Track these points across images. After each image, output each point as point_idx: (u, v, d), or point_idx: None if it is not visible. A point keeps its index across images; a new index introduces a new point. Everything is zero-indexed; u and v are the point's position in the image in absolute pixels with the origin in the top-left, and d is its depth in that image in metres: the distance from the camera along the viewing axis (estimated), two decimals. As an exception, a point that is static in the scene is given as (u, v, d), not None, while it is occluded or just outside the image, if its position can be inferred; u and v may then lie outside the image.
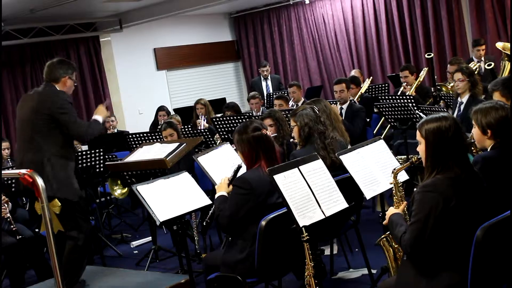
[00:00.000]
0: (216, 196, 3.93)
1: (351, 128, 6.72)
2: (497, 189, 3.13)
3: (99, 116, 5.01)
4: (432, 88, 7.98)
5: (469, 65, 7.50)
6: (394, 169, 3.41)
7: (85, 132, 4.73)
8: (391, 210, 3.24)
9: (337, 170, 4.28)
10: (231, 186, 3.91)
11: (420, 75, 8.19)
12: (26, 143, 4.68)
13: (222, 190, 3.93)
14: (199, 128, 8.35)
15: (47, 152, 4.59)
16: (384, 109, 6.60)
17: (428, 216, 2.86)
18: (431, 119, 3.02)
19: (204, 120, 8.60)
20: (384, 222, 3.28)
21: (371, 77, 10.45)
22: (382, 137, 5.09)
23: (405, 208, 3.28)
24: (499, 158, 3.35)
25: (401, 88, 8.23)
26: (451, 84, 7.30)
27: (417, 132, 3.07)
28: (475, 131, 3.49)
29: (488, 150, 3.45)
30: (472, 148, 3.95)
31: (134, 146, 7.29)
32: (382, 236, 3.49)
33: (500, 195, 3.13)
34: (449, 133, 2.95)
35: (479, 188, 2.99)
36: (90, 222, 5.23)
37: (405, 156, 6.19)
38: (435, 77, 8.52)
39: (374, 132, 7.82)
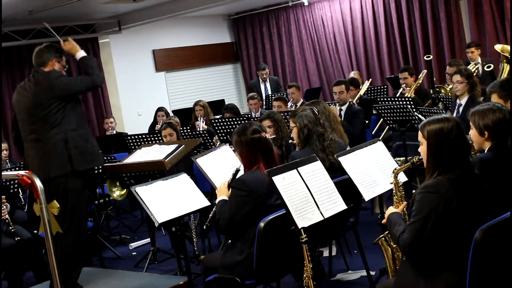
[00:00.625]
0: (217, 200, 3.93)
1: (350, 130, 6.73)
2: (495, 190, 3.13)
3: (79, 52, 5.00)
4: (431, 90, 8.00)
5: (468, 67, 7.52)
6: (395, 169, 3.41)
7: (91, 77, 4.77)
8: (390, 210, 3.24)
9: (336, 172, 4.28)
10: (231, 189, 3.91)
11: (419, 77, 8.20)
12: (36, 133, 4.70)
13: (222, 194, 3.93)
14: (198, 129, 8.35)
15: (66, 131, 4.65)
16: (383, 111, 6.60)
17: (428, 217, 2.86)
18: (433, 120, 3.02)
19: (202, 122, 8.60)
20: (383, 221, 3.28)
21: (370, 79, 10.45)
22: (380, 138, 5.10)
23: (404, 209, 3.28)
24: (496, 159, 3.36)
25: (400, 90, 8.25)
26: (450, 86, 7.31)
27: (419, 133, 3.07)
28: (473, 133, 3.50)
29: (486, 151, 3.47)
30: (471, 149, 3.95)
31: (132, 147, 7.30)
32: (381, 236, 3.49)
33: (498, 197, 3.13)
34: (451, 135, 2.95)
35: (480, 189, 2.99)
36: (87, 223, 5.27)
37: (404, 158, 6.19)
38: (434, 79, 8.54)
39: (373, 133, 7.83)
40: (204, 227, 4.04)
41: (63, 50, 4.95)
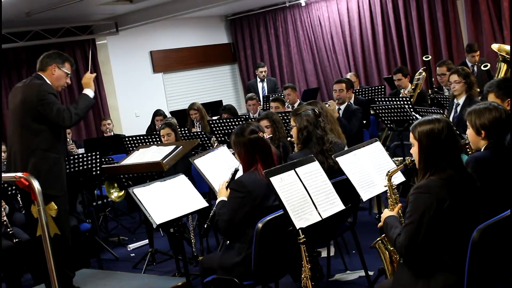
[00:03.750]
0: (217, 201, 3.94)
1: (347, 126, 6.74)
2: (490, 189, 3.13)
3: (88, 89, 4.97)
4: (429, 91, 7.99)
5: (463, 67, 7.51)
6: (389, 171, 3.42)
7: (69, 117, 4.65)
8: (385, 213, 3.24)
9: (335, 175, 4.28)
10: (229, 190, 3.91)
11: (416, 78, 8.14)
12: (15, 135, 4.73)
13: (222, 195, 3.93)
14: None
15: (32, 145, 4.61)
16: (380, 111, 6.61)
17: (422, 218, 2.86)
18: (424, 121, 3.04)
19: (198, 127, 8.55)
20: (379, 225, 3.29)
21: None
22: (381, 138, 5.10)
23: (400, 211, 3.29)
24: (492, 158, 3.37)
25: (400, 94, 8.23)
26: (446, 93, 7.30)
27: (410, 134, 3.08)
28: (469, 132, 3.51)
29: (482, 150, 3.47)
30: (468, 149, 3.96)
31: (130, 149, 7.29)
32: (377, 239, 3.49)
33: (493, 196, 3.14)
34: (441, 135, 2.97)
35: (473, 189, 3.00)
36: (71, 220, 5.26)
37: (402, 158, 6.20)
38: (432, 79, 8.54)
39: (369, 129, 7.82)
40: (205, 226, 4.03)
41: (67, 58, 4.93)
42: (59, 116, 4.62)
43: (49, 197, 4.56)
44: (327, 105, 5.55)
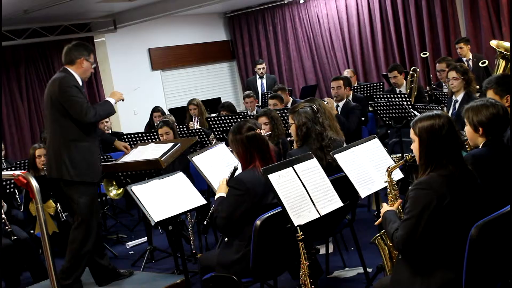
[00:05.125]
0: (216, 197, 3.94)
1: (346, 123, 6.73)
2: (488, 186, 3.13)
3: (111, 98, 5.10)
4: (427, 87, 7.99)
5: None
6: (389, 167, 3.42)
7: (93, 114, 4.74)
8: (385, 207, 3.25)
9: (333, 171, 4.27)
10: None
11: (409, 80, 8.09)
12: (48, 130, 4.90)
13: (221, 191, 3.93)
14: (192, 129, 8.31)
15: (62, 137, 4.73)
16: (379, 108, 6.60)
17: (422, 214, 2.86)
18: (424, 117, 3.03)
19: (197, 122, 8.54)
20: (377, 222, 3.29)
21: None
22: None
23: (399, 206, 3.28)
24: (490, 155, 3.37)
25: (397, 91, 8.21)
26: (446, 90, 7.29)
27: (411, 130, 3.07)
28: (467, 129, 3.51)
29: (480, 147, 3.47)
30: (467, 146, 3.96)
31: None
32: (377, 235, 3.49)
33: (492, 192, 3.13)
34: (442, 131, 2.96)
35: (473, 185, 2.99)
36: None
37: (400, 155, 6.20)
38: (430, 76, 8.54)
39: (367, 126, 7.81)
40: (205, 223, 4.03)
41: (91, 49, 5.07)
42: (82, 110, 4.69)
43: (86, 185, 4.76)
44: (325, 102, 5.54)
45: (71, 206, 4.91)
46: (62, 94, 4.71)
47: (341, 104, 7.45)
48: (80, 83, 4.86)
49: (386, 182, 3.42)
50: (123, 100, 5.17)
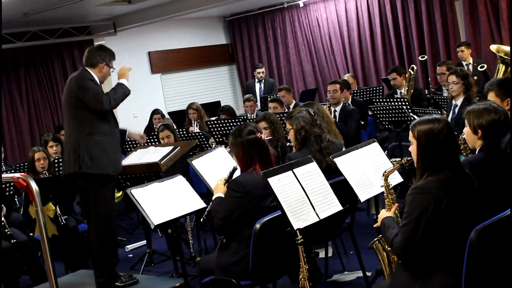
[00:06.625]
0: (214, 197, 3.94)
1: (344, 129, 6.74)
2: (486, 191, 3.13)
3: (123, 79, 5.07)
4: (426, 91, 8.00)
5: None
6: (385, 171, 3.41)
7: (108, 101, 4.72)
8: (383, 213, 3.24)
9: (333, 173, 4.28)
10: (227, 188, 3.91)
11: (407, 72, 8.13)
12: (66, 128, 4.91)
13: (219, 191, 3.93)
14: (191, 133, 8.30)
15: (78, 132, 4.70)
16: (378, 112, 6.61)
17: (419, 218, 2.86)
18: (423, 120, 3.03)
19: (196, 126, 8.54)
20: (376, 225, 3.28)
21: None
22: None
23: (396, 211, 3.28)
24: (486, 160, 3.37)
25: (399, 93, 8.23)
26: (446, 94, 7.31)
27: (410, 132, 3.08)
28: (466, 130, 3.52)
29: (477, 151, 3.48)
30: (462, 150, 3.96)
31: (128, 149, 7.28)
32: (375, 239, 3.49)
33: (489, 197, 3.13)
34: (441, 135, 2.96)
35: (471, 190, 2.99)
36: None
37: (400, 159, 6.19)
38: (429, 79, 8.55)
39: (367, 130, 7.81)
40: (201, 220, 4.02)
41: (113, 54, 5.05)
42: (97, 100, 4.67)
43: (106, 178, 4.71)
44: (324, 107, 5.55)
45: (87, 200, 4.82)
46: (79, 87, 4.69)
47: (338, 108, 7.44)
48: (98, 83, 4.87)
49: (382, 186, 3.42)
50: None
